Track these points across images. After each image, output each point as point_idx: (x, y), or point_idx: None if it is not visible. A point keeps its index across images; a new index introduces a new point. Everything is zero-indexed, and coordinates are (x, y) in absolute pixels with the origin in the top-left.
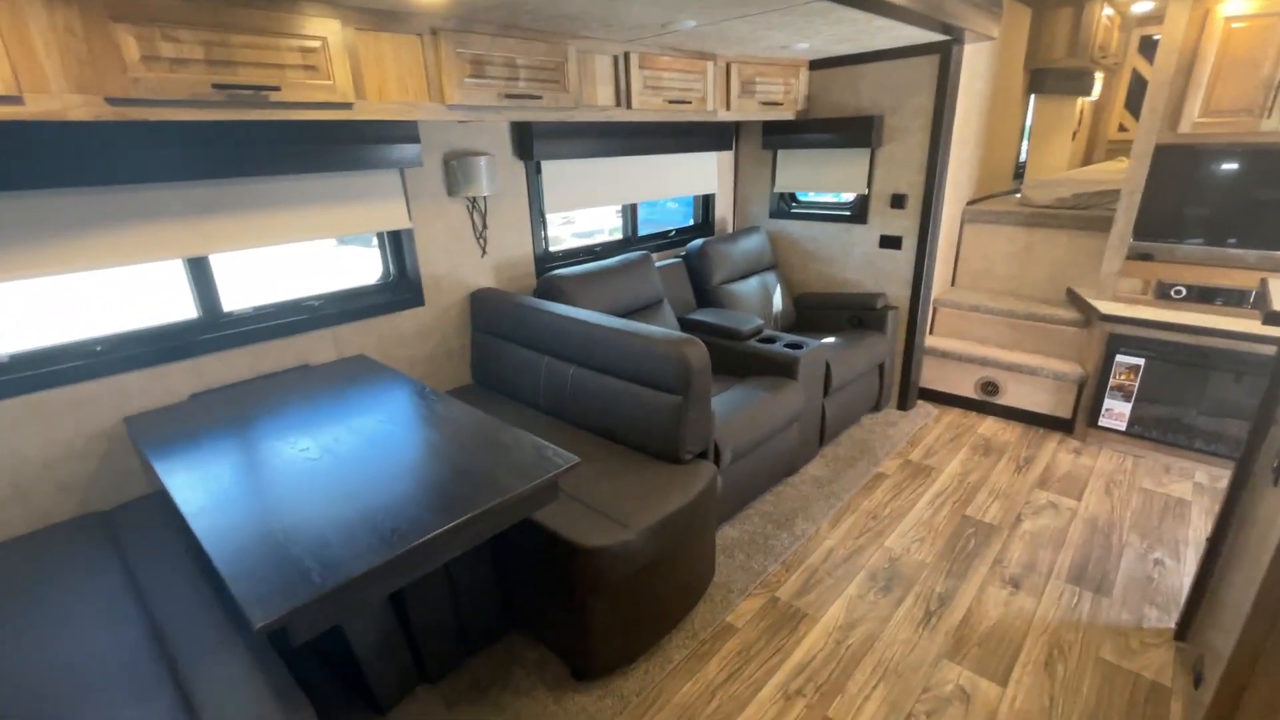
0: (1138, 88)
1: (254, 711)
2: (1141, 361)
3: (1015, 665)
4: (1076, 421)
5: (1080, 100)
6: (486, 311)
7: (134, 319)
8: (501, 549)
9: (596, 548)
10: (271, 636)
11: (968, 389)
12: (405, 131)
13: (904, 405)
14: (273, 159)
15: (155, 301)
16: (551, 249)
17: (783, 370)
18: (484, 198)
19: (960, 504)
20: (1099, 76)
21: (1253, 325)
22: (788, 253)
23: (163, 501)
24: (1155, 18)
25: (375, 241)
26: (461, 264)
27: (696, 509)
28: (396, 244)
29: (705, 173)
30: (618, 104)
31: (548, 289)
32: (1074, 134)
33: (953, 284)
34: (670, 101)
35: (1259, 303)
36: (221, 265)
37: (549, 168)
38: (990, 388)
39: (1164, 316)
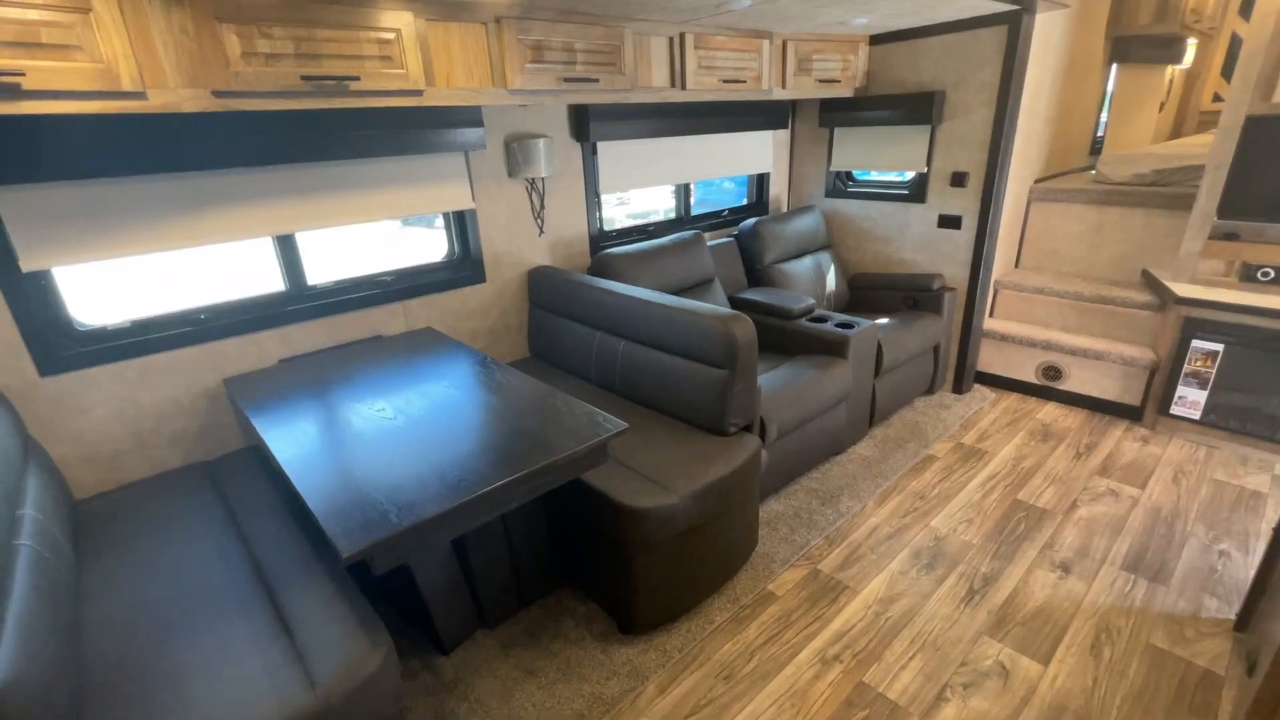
0: (1237, 54)
1: (339, 630)
2: (1220, 347)
3: (1059, 646)
4: (1146, 409)
5: (1170, 69)
6: (543, 288)
7: (231, 290)
8: (554, 508)
9: (642, 509)
10: (353, 570)
11: (1028, 373)
12: (470, 116)
13: (959, 389)
14: (350, 144)
15: (250, 275)
16: (607, 229)
17: (833, 350)
18: (542, 179)
19: (1013, 488)
20: (1191, 43)
21: None
22: (843, 232)
23: (257, 454)
24: None
25: (439, 222)
26: (521, 243)
27: (739, 479)
28: (460, 224)
29: (760, 152)
30: (673, 85)
31: (602, 267)
32: (1161, 105)
33: (1016, 265)
34: (725, 81)
35: None
36: (304, 243)
37: (604, 149)
38: (1052, 372)
39: (1248, 300)
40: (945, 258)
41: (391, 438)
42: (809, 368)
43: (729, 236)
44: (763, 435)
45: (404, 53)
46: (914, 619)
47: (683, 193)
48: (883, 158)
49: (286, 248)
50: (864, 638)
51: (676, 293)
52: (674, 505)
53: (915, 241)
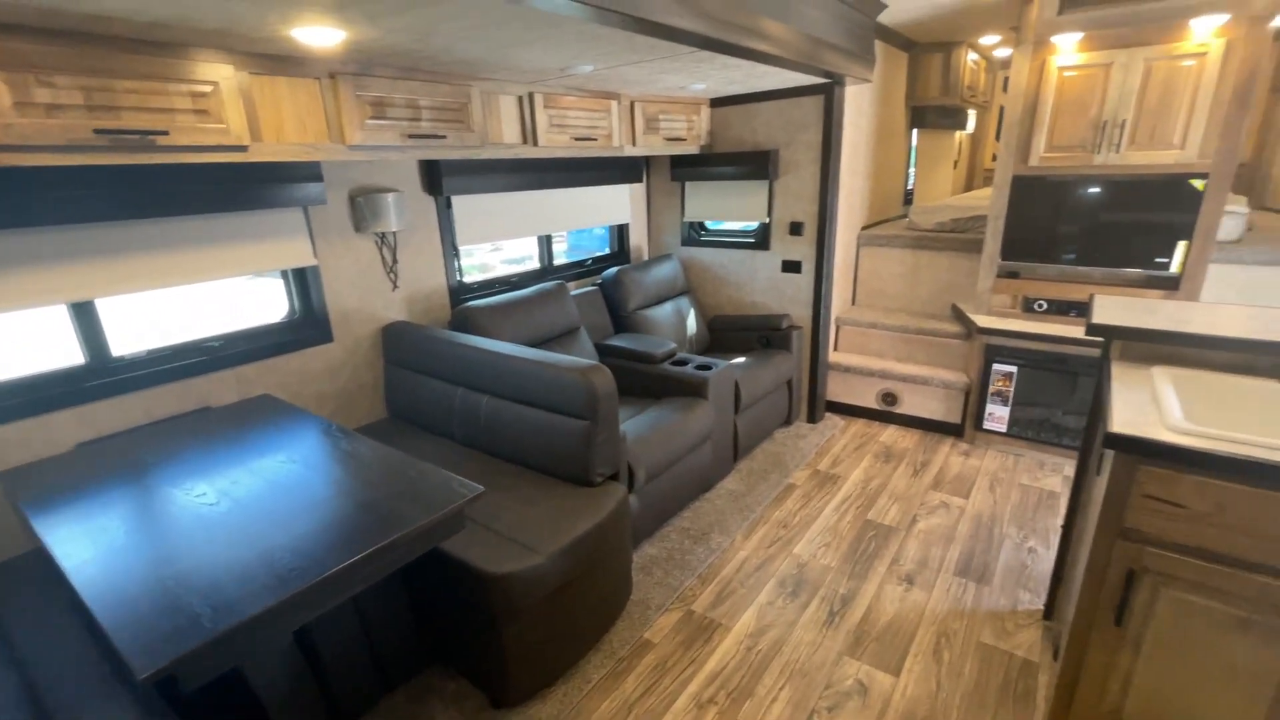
0: None
1: None
2: (1015, 369)
3: (908, 656)
4: (965, 426)
5: (958, 133)
6: (399, 345)
7: (9, 368)
8: (415, 581)
9: (506, 574)
10: (164, 686)
11: (870, 400)
12: (307, 171)
13: (813, 418)
14: (166, 200)
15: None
16: (468, 280)
17: (694, 391)
18: (393, 232)
19: (863, 509)
20: (972, 113)
21: None
22: (700, 278)
23: (46, 557)
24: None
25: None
26: (372, 299)
27: (608, 529)
28: (302, 281)
29: (618, 204)
30: (524, 141)
31: (462, 321)
32: (955, 163)
33: (853, 303)
34: (577, 139)
35: (1086, 314)
36: (117, 307)
37: (460, 202)
38: (890, 398)
39: (1031, 328)
40: (791, 299)
41: (213, 526)
42: (674, 410)
43: (593, 285)
44: (631, 482)
45: (224, 106)
46: (782, 648)
47: (545, 244)
48: (729, 209)
49: (84, 316)
50: (737, 675)
51: (542, 343)
52: (540, 566)
53: (764, 285)
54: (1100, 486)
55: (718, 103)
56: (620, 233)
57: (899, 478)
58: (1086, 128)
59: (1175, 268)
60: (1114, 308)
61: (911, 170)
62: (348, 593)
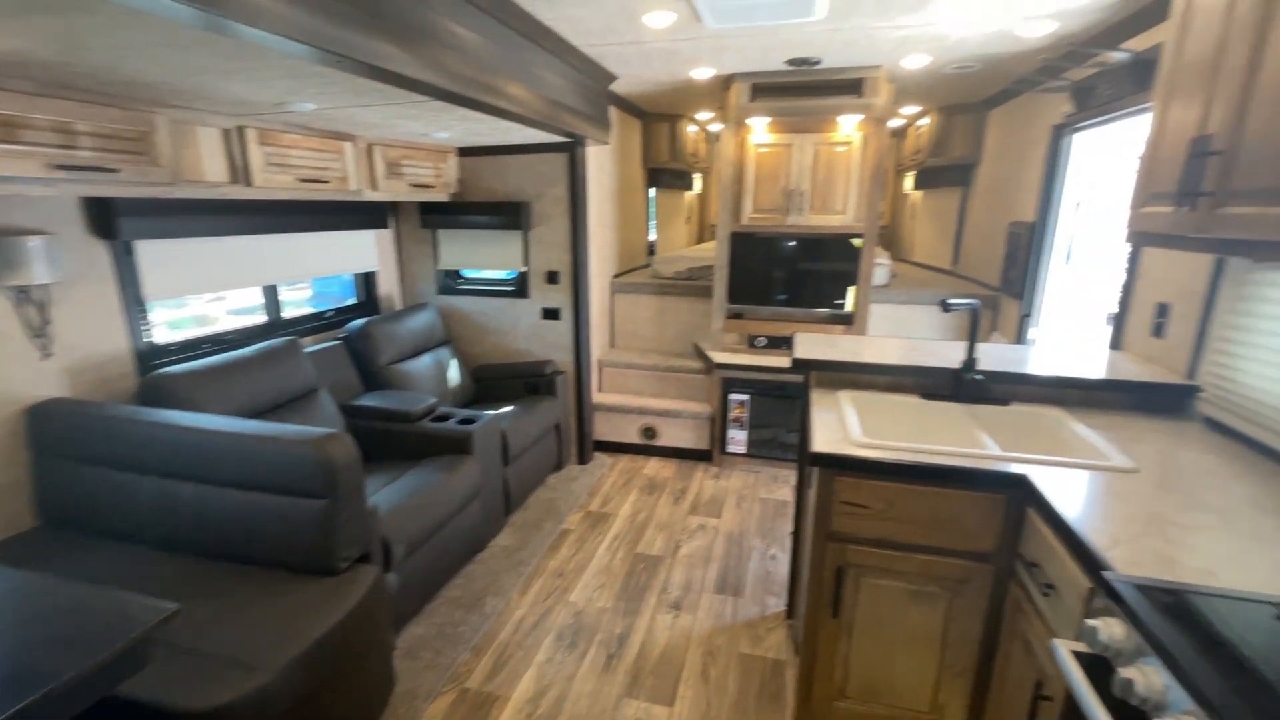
0: None
1: None
2: (747, 397)
3: (680, 683)
4: (713, 451)
5: (687, 193)
6: (56, 429)
7: None
8: None
9: (217, 708)
10: None
11: (633, 436)
12: None
13: (583, 460)
14: None
15: None
16: (165, 340)
17: (458, 447)
18: (42, 286)
19: (632, 543)
20: (697, 176)
21: None
22: (460, 326)
23: None
24: None
25: None
26: (9, 371)
27: (358, 621)
28: None
29: (363, 250)
30: (234, 180)
31: (154, 392)
32: (688, 219)
33: (612, 345)
34: (304, 180)
35: (791, 350)
36: None
37: (147, 248)
38: (650, 432)
39: (754, 361)
40: (554, 345)
41: None
42: (436, 470)
43: (336, 340)
44: (388, 559)
45: None
46: (563, 706)
47: (271, 295)
48: (486, 258)
49: None
50: None
51: (268, 412)
52: (267, 687)
53: (526, 332)
54: (811, 497)
55: (466, 152)
56: (367, 281)
57: (662, 507)
58: (780, 194)
59: (849, 307)
60: (809, 343)
61: (653, 224)
62: None
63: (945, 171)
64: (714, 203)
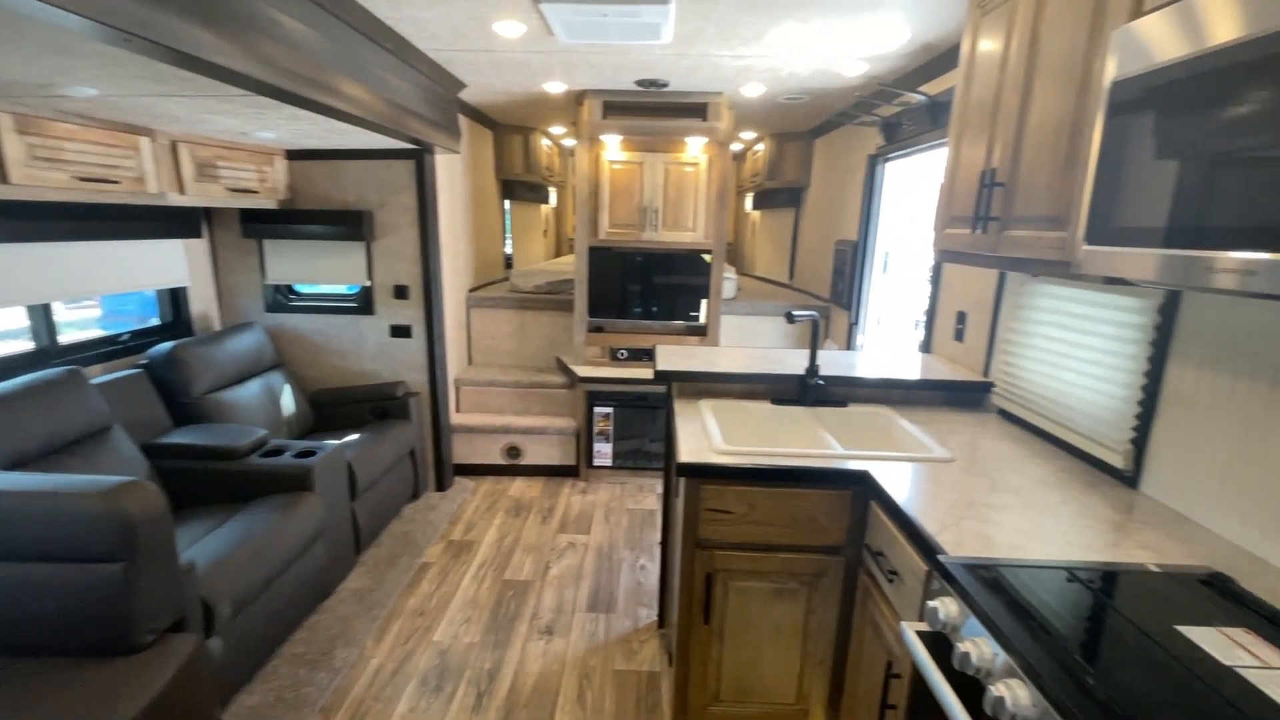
0: None
1: None
2: (611, 410)
3: (555, 711)
4: (580, 466)
5: (543, 206)
6: None
7: None
8: None
9: None
10: None
11: (496, 456)
12: None
13: (442, 486)
14: None
15: None
16: None
17: (296, 484)
18: None
19: (500, 570)
20: (553, 189)
21: None
22: (295, 348)
23: None
24: None
25: None
26: None
27: (171, 703)
28: None
29: (169, 262)
30: None
31: None
32: (545, 232)
33: (470, 363)
34: (84, 178)
35: (653, 361)
36: None
37: None
38: (514, 451)
39: (617, 374)
40: (404, 365)
41: None
42: (269, 512)
43: (136, 368)
44: (209, 622)
45: None
46: None
47: (42, 317)
48: (323, 272)
49: None
50: None
51: (40, 460)
52: None
53: (373, 352)
54: (679, 506)
55: (297, 155)
56: (175, 298)
57: (530, 528)
58: (634, 211)
59: (703, 319)
60: (671, 355)
61: (509, 237)
62: None
63: (779, 193)
64: (570, 216)
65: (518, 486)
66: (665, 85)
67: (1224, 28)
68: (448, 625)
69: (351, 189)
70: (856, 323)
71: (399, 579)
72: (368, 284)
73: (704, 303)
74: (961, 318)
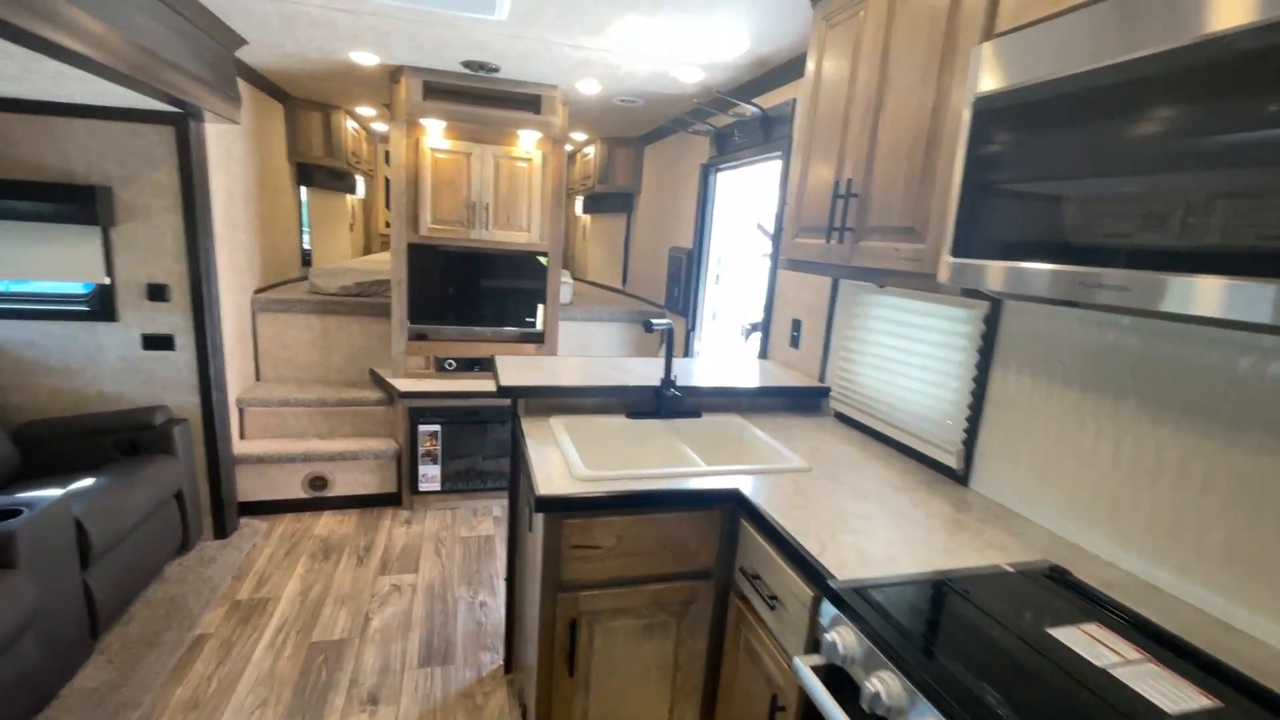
0: None
1: None
2: (438, 427)
3: None
4: (403, 493)
5: (349, 197)
6: None
7: None
8: None
9: None
10: None
11: (296, 490)
12: None
13: (223, 532)
14: None
15: None
16: None
17: None
18: None
19: (305, 631)
20: (360, 178)
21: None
22: None
23: None
24: None
25: None
26: None
27: None
28: None
29: None
30: None
31: None
32: (351, 226)
33: (258, 379)
34: None
35: (494, 374)
36: None
37: None
38: (319, 482)
39: (444, 387)
40: (165, 384)
41: None
42: None
43: None
44: None
45: None
46: None
47: None
48: (34, 265)
49: None
50: None
51: None
52: None
53: (117, 370)
54: (536, 544)
55: None
56: None
57: (343, 573)
58: (461, 206)
59: (540, 325)
60: (514, 367)
61: (307, 230)
62: None
63: (610, 198)
64: (382, 210)
65: (325, 523)
66: (496, 70)
67: (1080, 55)
68: (235, 714)
69: (79, 157)
70: (694, 329)
71: (160, 664)
72: (106, 281)
73: (540, 308)
74: (797, 325)
